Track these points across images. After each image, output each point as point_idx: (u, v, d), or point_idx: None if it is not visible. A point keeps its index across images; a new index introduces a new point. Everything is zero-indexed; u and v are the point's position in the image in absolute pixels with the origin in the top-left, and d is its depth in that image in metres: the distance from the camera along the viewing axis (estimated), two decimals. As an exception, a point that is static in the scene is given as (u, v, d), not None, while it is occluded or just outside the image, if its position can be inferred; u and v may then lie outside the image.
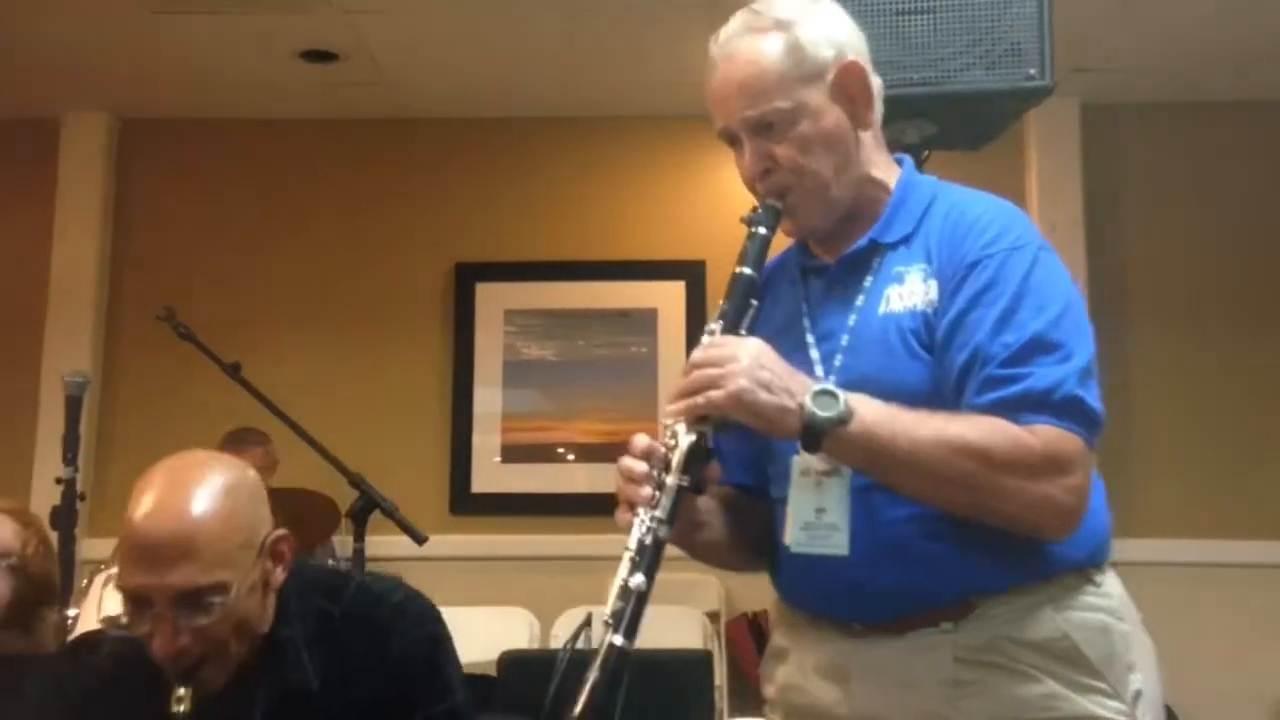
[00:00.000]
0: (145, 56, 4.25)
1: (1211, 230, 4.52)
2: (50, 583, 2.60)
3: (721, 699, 3.98)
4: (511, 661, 3.19)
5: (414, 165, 4.72)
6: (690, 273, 4.67)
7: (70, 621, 2.78)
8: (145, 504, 1.48)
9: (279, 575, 1.57)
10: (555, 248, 4.69)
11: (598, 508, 4.66)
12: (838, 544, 1.42)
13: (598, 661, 1.29)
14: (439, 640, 1.63)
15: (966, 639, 1.40)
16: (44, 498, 3.30)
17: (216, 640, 1.48)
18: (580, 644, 2.62)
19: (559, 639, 3.91)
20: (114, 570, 2.89)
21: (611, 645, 1.30)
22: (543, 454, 4.54)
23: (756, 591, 4.45)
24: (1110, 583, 1.47)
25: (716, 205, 4.75)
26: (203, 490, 1.50)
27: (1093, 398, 1.38)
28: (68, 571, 2.84)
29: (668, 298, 4.70)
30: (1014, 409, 1.35)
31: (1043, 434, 1.35)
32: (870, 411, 1.35)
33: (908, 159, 1.60)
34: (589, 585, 4.30)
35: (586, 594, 4.11)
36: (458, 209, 4.70)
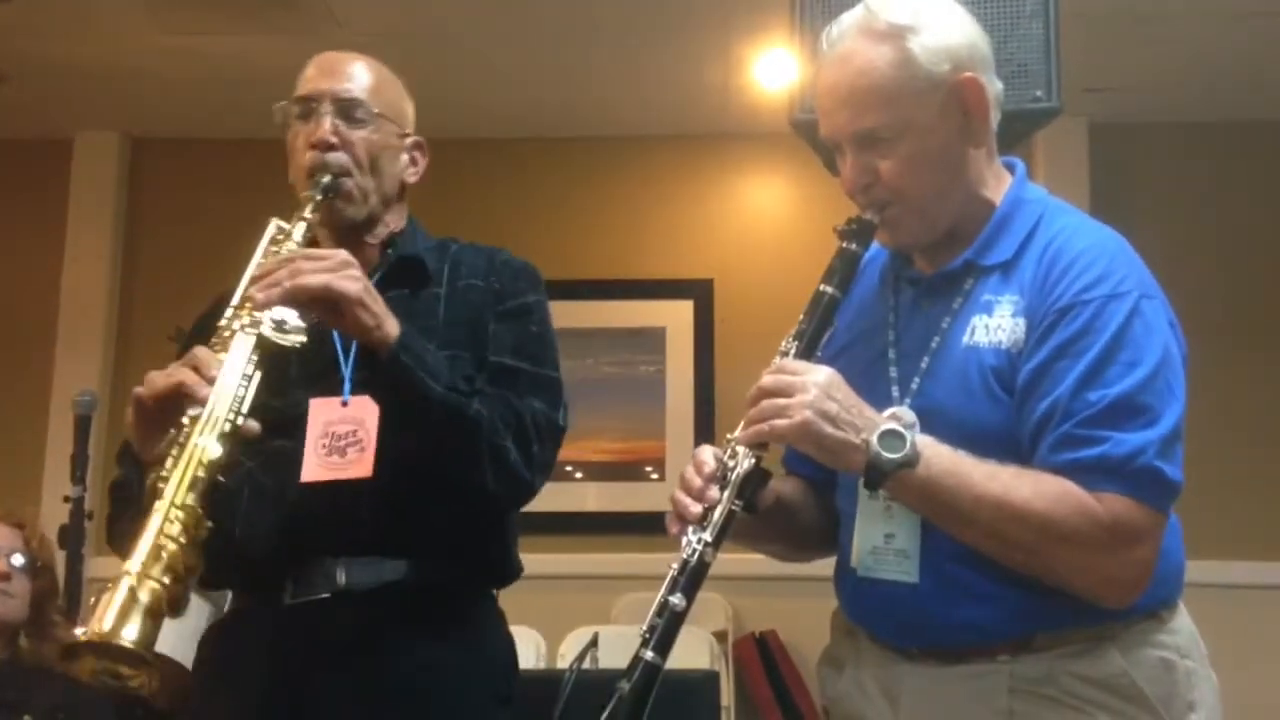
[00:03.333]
0: (156, 77, 4.28)
1: (1221, 250, 4.51)
2: (53, 569, 2.64)
3: (729, 719, 3.97)
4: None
5: (421, 185, 4.73)
6: (698, 291, 4.68)
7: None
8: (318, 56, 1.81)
9: (411, 174, 1.80)
10: (563, 267, 4.68)
11: (606, 527, 4.66)
12: (907, 571, 1.39)
13: (629, 675, 1.29)
14: (536, 269, 1.83)
15: (1023, 670, 1.36)
16: (52, 516, 3.30)
17: (356, 157, 1.69)
18: (587, 664, 2.61)
19: (565, 658, 3.90)
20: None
21: (643, 660, 1.30)
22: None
23: (764, 611, 4.45)
24: (1179, 619, 1.42)
25: (724, 224, 4.77)
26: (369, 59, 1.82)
27: (1173, 468, 1.32)
28: (75, 590, 2.84)
29: (676, 316, 4.70)
30: (1087, 473, 1.30)
31: (1112, 505, 1.29)
32: (938, 460, 1.31)
33: (1021, 166, 1.52)
34: (596, 605, 4.31)
35: (594, 614, 4.11)
36: (465, 229, 4.69)
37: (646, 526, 4.41)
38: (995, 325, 1.39)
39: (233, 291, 1.83)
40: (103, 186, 4.74)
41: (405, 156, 1.79)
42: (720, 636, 4.27)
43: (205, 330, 1.80)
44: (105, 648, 1.29)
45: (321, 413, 1.60)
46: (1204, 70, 4.16)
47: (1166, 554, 1.37)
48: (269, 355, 1.48)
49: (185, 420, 1.42)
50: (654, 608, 1.32)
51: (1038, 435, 1.34)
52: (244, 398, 1.45)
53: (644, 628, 1.32)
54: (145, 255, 4.78)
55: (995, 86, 1.47)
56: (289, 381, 1.64)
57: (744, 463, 1.37)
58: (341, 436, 1.58)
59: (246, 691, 1.60)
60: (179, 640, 2.76)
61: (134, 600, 1.31)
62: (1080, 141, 4.42)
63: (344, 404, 1.61)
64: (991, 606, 1.36)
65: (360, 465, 1.57)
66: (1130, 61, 4.06)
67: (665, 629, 1.31)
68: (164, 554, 1.34)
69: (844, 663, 1.52)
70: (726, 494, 1.35)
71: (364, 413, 1.59)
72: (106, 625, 1.28)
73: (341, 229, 1.70)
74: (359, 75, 1.77)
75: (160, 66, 4.20)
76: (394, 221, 1.77)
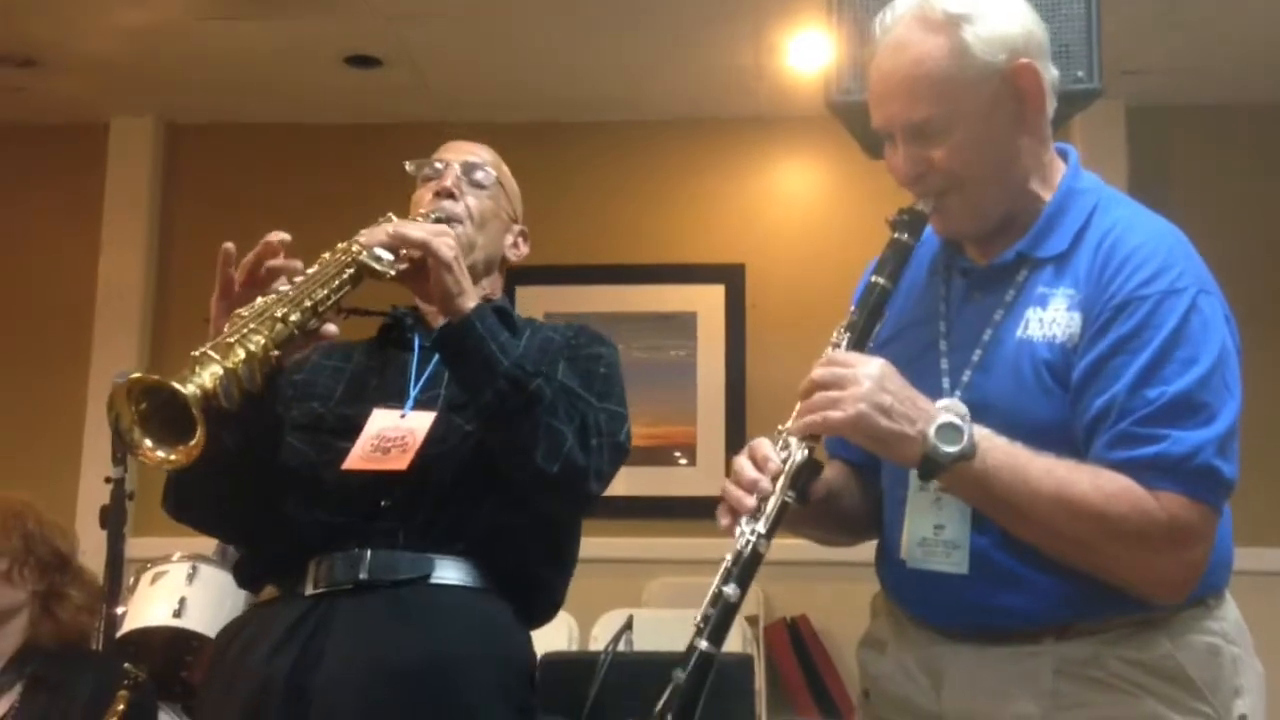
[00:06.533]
0: (192, 62, 4.31)
1: (1260, 234, 4.45)
2: (51, 552, 2.59)
3: (760, 704, 3.97)
4: (551, 664, 3.17)
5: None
6: (730, 276, 4.66)
7: (119, 618, 2.82)
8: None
9: (513, 254, 1.95)
10: (595, 251, 4.69)
11: (638, 511, 4.66)
12: (957, 562, 1.39)
13: (684, 664, 1.29)
14: (611, 339, 1.93)
15: (1069, 652, 1.36)
16: (92, 497, 3.35)
17: (470, 211, 1.85)
18: (621, 647, 2.62)
19: (599, 641, 3.92)
20: (160, 569, 2.94)
21: (698, 649, 1.30)
22: (582, 457, 4.55)
23: (795, 596, 4.45)
24: (1226, 606, 1.42)
25: (756, 209, 4.75)
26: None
27: (1229, 466, 1.31)
28: (116, 570, 2.88)
29: (707, 301, 4.69)
30: (1144, 471, 1.29)
31: (1169, 504, 1.29)
32: (994, 452, 1.31)
33: (1074, 154, 1.52)
34: (628, 588, 4.32)
35: (625, 597, 4.12)
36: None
37: (676, 512, 4.46)
38: (1050, 319, 1.39)
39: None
40: (138, 171, 4.77)
41: (510, 238, 1.95)
42: (752, 621, 4.27)
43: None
44: (157, 391, 1.35)
45: (380, 420, 1.71)
46: (1241, 52, 4.10)
47: (1216, 542, 1.36)
48: (359, 279, 1.61)
49: (274, 291, 1.53)
50: (708, 598, 1.32)
51: (1093, 431, 1.33)
52: (329, 300, 1.56)
53: (698, 617, 1.32)
54: (181, 239, 4.82)
55: (1051, 74, 1.46)
56: (366, 396, 1.76)
57: (797, 454, 1.36)
58: (390, 440, 1.68)
59: (256, 682, 1.61)
60: (216, 619, 2.80)
61: (194, 369, 1.37)
62: (1117, 124, 4.37)
63: (402, 416, 1.71)
64: (1036, 594, 1.36)
65: (398, 461, 1.65)
66: (1167, 43, 4.01)
67: (719, 619, 1.31)
68: (231, 354, 1.41)
69: (886, 643, 1.52)
70: (779, 485, 1.35)
71: (417, 424, 1.70)
72: (165, 378, 1.35)
73: None
74: (485, 154, 1.98)
75: (195, 51, 4.23)
76: (491, 288, 1.90)
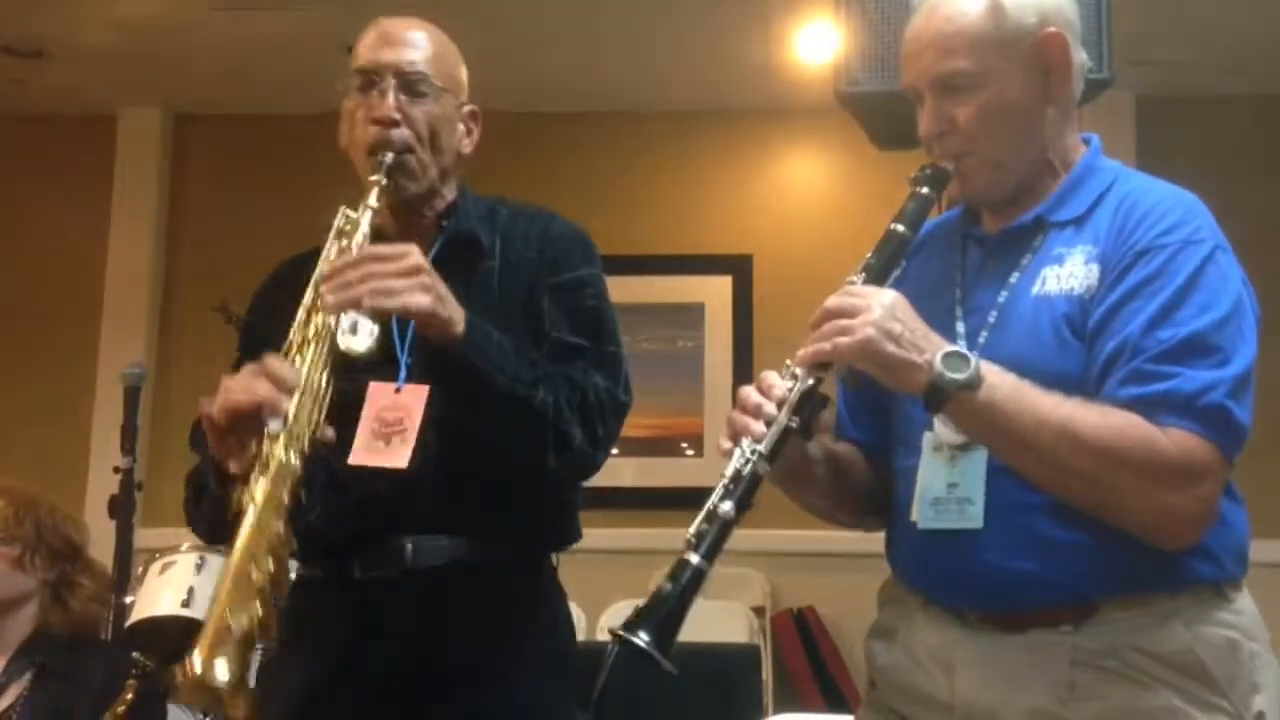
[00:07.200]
0: (200, 52, 4.32)
1: (1269, 226, 4.44)
2: (63, 541, 2.60)
3: (766, 694, 3.98)
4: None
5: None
6: (738, 267, 4.67)
7: (128, 608, 2.83)
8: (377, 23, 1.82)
9: (466, 145, 1.80)
10: (603, 242, 4.61)
11: (645, 502, 4.66)
12: (970, 517, 1.38)
13: (669, 573, 1.27)
14: (588, 237, 1.85)
15: (1085, 642, 1.34)
16: (101, 488, 3.36)
17: (418, 132, 1.70)
18: (628, 637, 2.61)
19: (606, 631, 3.93)
20: (169, 559, 2.94)
21: (689, 564, 1.28)
22: (589, 448, 4.56)
23: (801, 587, 4.45)
24: (1243, 600, 1.40)
25: (764, 200, 4.74)
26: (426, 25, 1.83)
27: (1242, 410, 1.31)
28: (125, 560, 2.89)
29: (715, 292, 4.69)
30: (1155, 408, 1.29)
31: (1178, 439, 1.28)
32: (1002, 384, 1.31)
33: (1096, 139, 1.54)
34: (635, 579, 4.29)
35: (631, 587, 4.11)
36: (506, 203, 4.72)
37: (684, 503, 4.41)
38: (1067, 273, 1.40)
39: (287, 269, 1.85)
40: (146, 162, 4.79)
41: (462, 127, 1.80)
42: (758, 612, 4.28)
43: (262, 310, 1.83)
44: (200, 685, 1.31)
45: (377, 397, 1.63)
46: (1251, 44, 4.08)
47: (1233, 528, 1.36)
48: (342, 362, 1.51)
49: (266, 435, 1.43)
50: (702, 514, 1.31)
51: (1106, 372, 1.33)
52: (321, 409, 1.48)
53: (690, 533, 1.30)
54: (189, 230, 4.83)
55: (1080, 56, 1.48)
56: (355, 366, 1.65)
57: (802, 382, 1.36)
58: (389, 423, 1.61)
59: (316, 664, 1.63)
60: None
61: (226, 632, 1.32)
62: (1127, 115, 4.36)
63: (397, 390, 1.64)
64: (1055, 560, 1.34)
65: (398, 456, 1.59)
66: (1177, 35, 3.99)
67: (714, 536, 1.29)
68: (252, 581, 1.36)
69: (895, 632, 1.51)
70: (785, 410, 1.35)
71: (413, 401, 1.62)
72: (198, 662, 1.30)
73: (401, 204, 1.72)
74: (421, 45, 1.77)
75: (203, 42, 4.23)
76: (449, 192, 1.80)
